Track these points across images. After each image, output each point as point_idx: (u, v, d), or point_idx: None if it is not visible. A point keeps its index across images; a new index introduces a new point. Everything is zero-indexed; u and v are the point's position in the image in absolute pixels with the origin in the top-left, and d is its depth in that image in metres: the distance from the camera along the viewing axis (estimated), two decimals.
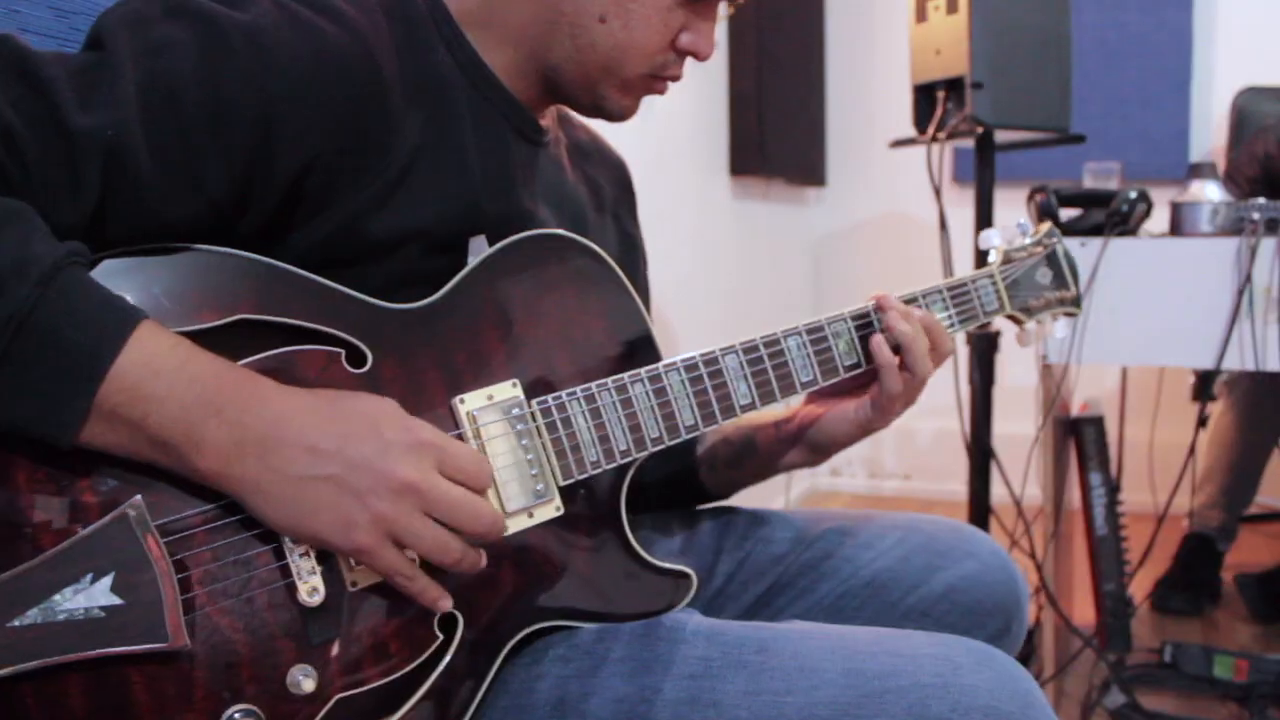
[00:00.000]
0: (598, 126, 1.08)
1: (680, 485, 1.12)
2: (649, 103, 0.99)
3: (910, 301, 1.02)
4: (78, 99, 0.69)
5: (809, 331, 0.96)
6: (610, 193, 1.10)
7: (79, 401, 0.65)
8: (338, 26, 0.78)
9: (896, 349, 0.98)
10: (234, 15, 0.74)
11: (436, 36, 0.88)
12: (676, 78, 0.94)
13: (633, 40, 0.89)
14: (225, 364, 0.70)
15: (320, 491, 0.69)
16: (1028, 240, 1.15)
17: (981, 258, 1.14)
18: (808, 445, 1.04)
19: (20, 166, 0.67)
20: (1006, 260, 1.12)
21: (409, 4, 0.87)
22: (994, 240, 1.12)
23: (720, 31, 0.95)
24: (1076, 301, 1.17)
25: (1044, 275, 1.14)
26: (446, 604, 0.76)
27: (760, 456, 1.07)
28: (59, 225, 0.68)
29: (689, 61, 0.94)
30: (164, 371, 0.67)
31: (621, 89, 0.92)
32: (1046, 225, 1.16)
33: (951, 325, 1.05)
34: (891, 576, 1.04)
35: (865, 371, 0.99)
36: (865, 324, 0.99)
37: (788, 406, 1.04)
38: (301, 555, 0.72)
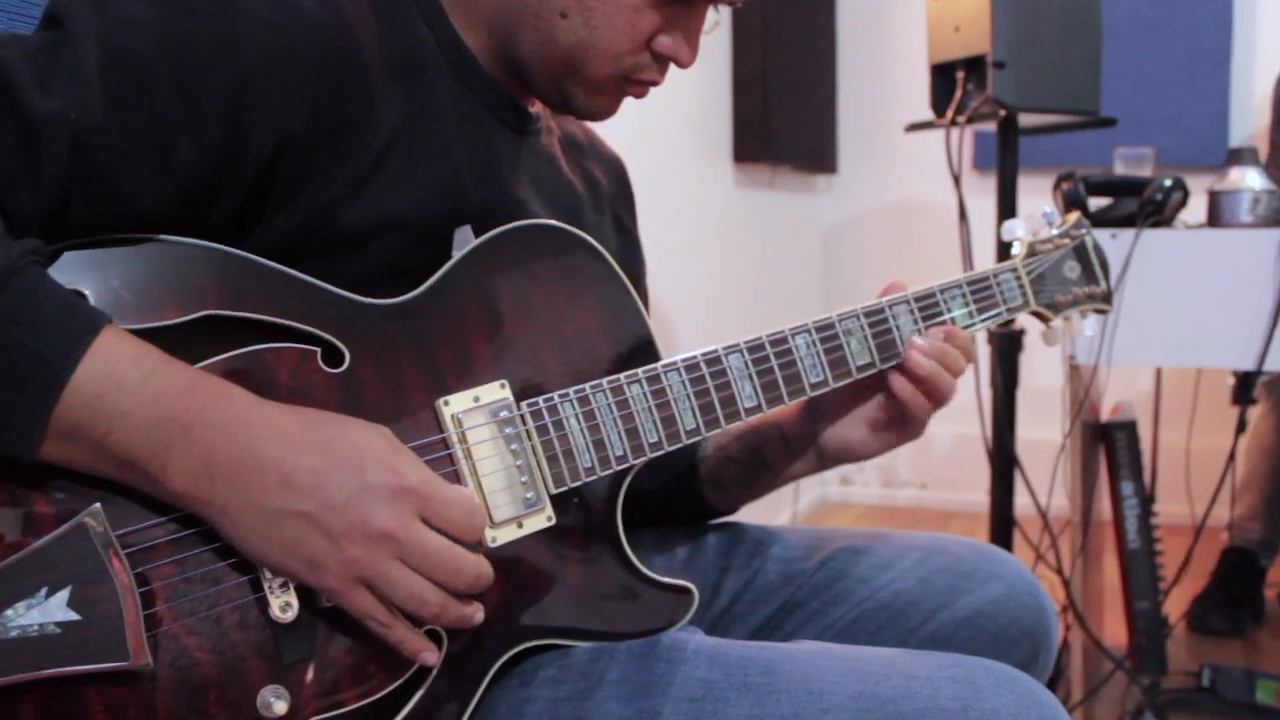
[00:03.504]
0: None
1: (680, 499, 1.13)
2: None
3: (927, 298, 1.03)
4: (36, 81, 0.69)
5: (819, 329, 0.97)
6: (608, 189, 1.11)
7: (37, 415, 0.65)
8: None
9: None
10: None
11: (417, 12, 0.88)
12: (654, 82, 0.93)
13: (595, 39, 0.88)
14: (197, 375, 0.71)
15: (290, 527, 0.69)
16: (1054, 231, 1.15)
17: (1004, 250, 1.15)
18: (827, 460, 1.05)
19: None
20: (1031, 253, 1.12)
21: None
22: (1018, 231, 1.13)
23: (722, 9, 0.95)
24: (1107, 298, 1.17)
25: (1071, 269, 1.14)
26: (430, 659, 0.76)
27: (771, 472, 1.08)
28: (19, 216, 0.68)
29: None
30: (128, 384, 0.67)
31: (587, 89, 0.92)
32: (1075, 215, 1.17)
33: (973, 324, 1.06)
34: (910, 600, 1.04)
35: (879, 372, 1.00)
36: (879, 321, 1.00)
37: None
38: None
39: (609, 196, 1.11)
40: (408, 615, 0.74)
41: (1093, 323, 1.16)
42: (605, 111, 0.95)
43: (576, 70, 0.90)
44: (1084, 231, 1.16)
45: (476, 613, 0.77)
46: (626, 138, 1.18)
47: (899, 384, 0.99)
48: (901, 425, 1.01)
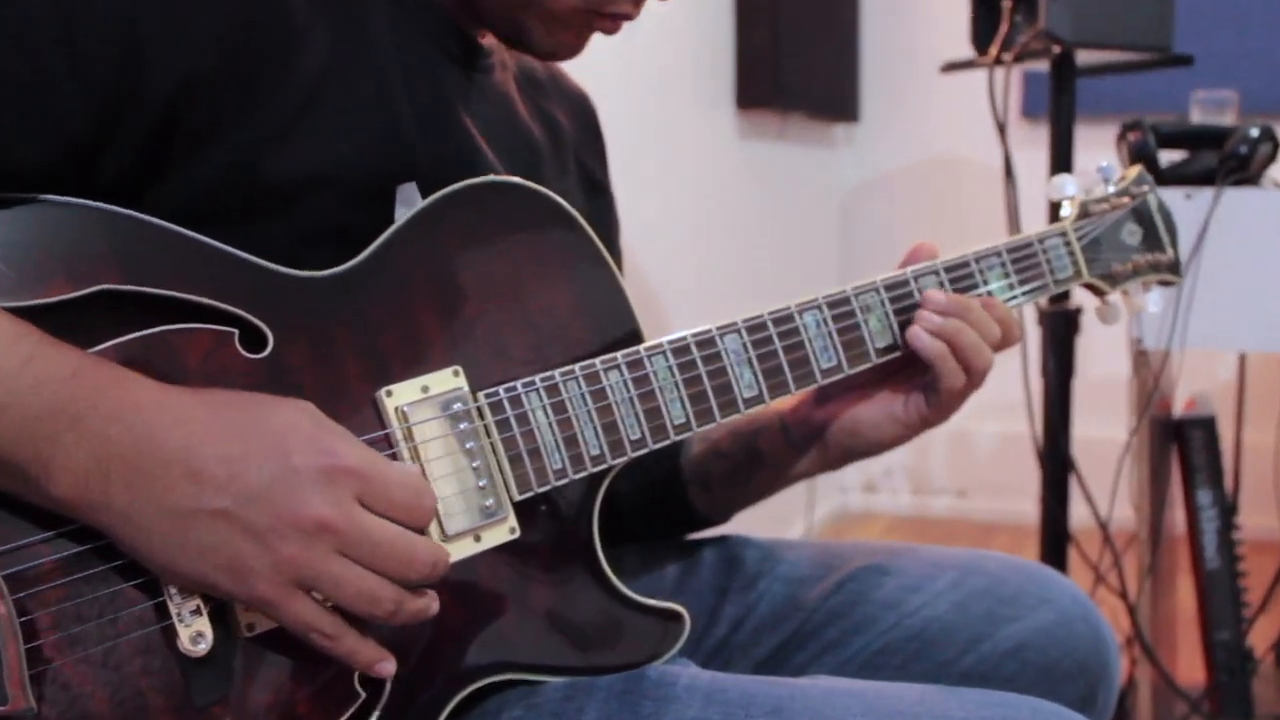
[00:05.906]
0: None
1: (660, 506, 1.13)
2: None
3: (960, 267, 1.04)
4: None
5: (831, 305, 0.98)
6: (572, 133, 1.11)
7: None
8: None
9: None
10: None
11: None
12: (628, 16, 0.92)
13: None
14: (85, 359, 0.71)
15: (207, 529, 0.69)
16: (1110, 189, 1.16)
17: (1056, 213, 1.15)
18: (837, 451, 1.05)
19: None
20: (1084, 214, 1.13)
21: None
22: (1068, 189, 1.13)
23: None
24: (1174, 267, 1.18)
25: (1131, 233, 1.15)
26: (389, 668, 0.76)
27: (768, 469, 1.09)
28: None
29: None
30: (2, 372, 0.67)
31: (548, 22, 0.91)
32: (1135, 170, 1.18)
33: (1014, 298, 1.06)
34: (944, 628, 1.06)
35: (903, 355, 1.01)
36: (903, 295, 1.01)
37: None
38: (182, 592, 0.73)
39: (574, 143, 1.11)
40: (353, 621, 0.74)
41: (1157, 297, 1.17)
42: (568, 50, 0.95)
43: (535, 1, 0.90)
44: (1146, 188, 1.17)
45: (432, 603, 0.77)
46: (606, 78, 1.18)
47: (926, 343, 0.98)
48: (925, 405, 1.01)
